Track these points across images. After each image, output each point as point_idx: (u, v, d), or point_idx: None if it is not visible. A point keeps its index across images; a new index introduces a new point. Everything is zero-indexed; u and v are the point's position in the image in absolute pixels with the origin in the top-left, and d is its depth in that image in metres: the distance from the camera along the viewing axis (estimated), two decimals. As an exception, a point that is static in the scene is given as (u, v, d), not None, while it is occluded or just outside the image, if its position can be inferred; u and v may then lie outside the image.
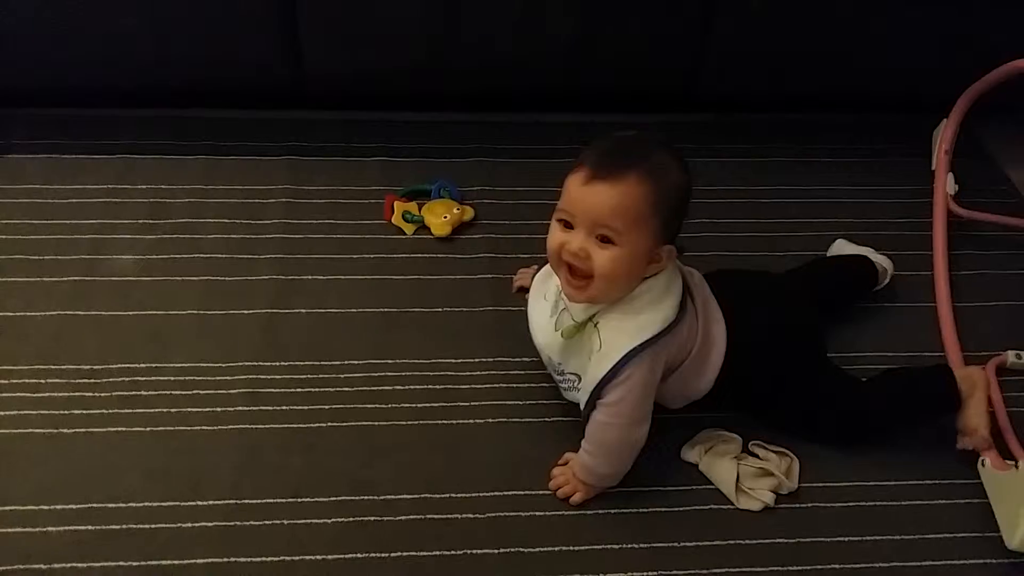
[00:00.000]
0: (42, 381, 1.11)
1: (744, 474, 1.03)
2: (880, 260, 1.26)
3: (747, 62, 1.52)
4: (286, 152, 1.47)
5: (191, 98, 1.53)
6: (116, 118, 1.51)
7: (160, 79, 1.48)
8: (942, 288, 1.28)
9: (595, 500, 1.02)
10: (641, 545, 0.99)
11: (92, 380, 1.11)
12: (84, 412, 1.08)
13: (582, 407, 1.01)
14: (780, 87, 1.57)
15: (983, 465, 1.03)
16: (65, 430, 1.06)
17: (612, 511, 1.02)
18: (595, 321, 0.98)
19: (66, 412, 1.08)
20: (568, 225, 0.95)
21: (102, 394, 1.10)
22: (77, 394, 1.10)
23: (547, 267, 1.05)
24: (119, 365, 1.13)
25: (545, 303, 1.05)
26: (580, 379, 1.01)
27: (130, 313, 1.20)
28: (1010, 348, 1.20)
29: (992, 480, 1.01)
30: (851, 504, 1.04)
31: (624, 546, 0.98)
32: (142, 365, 1.13)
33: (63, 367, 1.12)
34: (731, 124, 1.59)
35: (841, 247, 1.31)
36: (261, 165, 1.45)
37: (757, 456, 1.06)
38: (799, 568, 0.97)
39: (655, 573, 0.96)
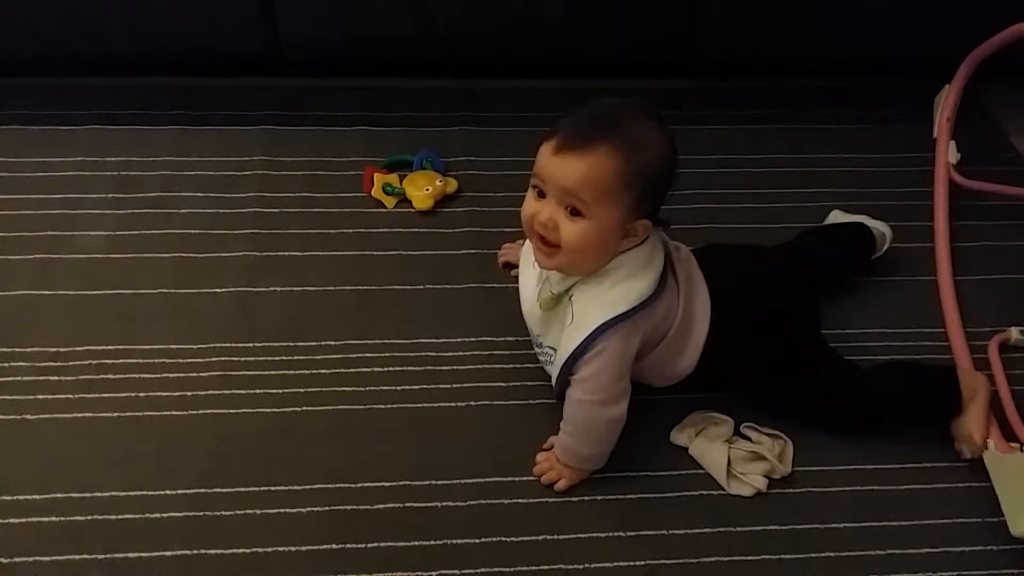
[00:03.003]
0: (4, 365, 1.06)
1: (736, 458, 1.00)
2: (876, 225, 1.21)
3: (743, 27, 1.46)
4: (262, 122, 1.41)
5: (162, 66, 1.46)
6: (86, 87, 1.45)
7: (129, 46, 1.42)
8: (943, 261, 1.23)
9: (581, 486, 0.98)
10: (628, 533, 0.95)
11: (58, 363, 1.07)
12: (49, 397, 1.03)
13: (553, 382, 0.98)
14: (776, 53, 1.51)
15: (987, 448, 0.99)
16: (28, 416, 1.02)
17: (598, 497, 0.98)
18: (570, 294, 0.95)
19: (30, 397, 1.03)
20: (542, 194, 0.91)
21: (68, 378, 1.06)
22: (42, 378, 1.05)
23: None
24: (86, 347, 1.09)
25: (533, 272, 1.01)
26: (554, 355, 0.97)
27: (98, 292, 1.15)
28: (1013, 323, 1.15)
29: (996, 463, 0.97)
30: (846, 489, 1.00)
31: (611, 534, 0.95)
32: (110, 347, 1.09)
33: (27, 350, 1.08)
34: (726, 91, 1.53)
35: (837, 217, 1.26)
36: (236, 135, 1.39)
37: (749, 439, 1.02)
38: (792, 556, 0.94)
39: (643, 562, 0.93)
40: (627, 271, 0.94)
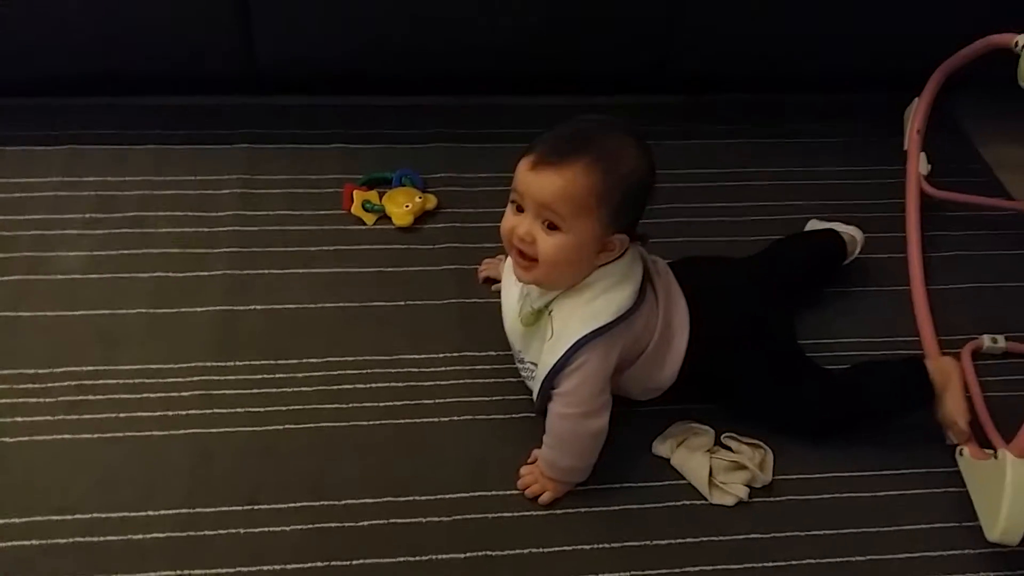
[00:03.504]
0: (-18, 387, 1.05)
1: (717, 468, 1.01)
2: (847, 230, 1.23)
3: (717, 43, 1.48)
4: (240, 140, 1.41)
5: (137, 85, 1.46)
6: (62, 107, 1.44)
7: (103, 65, 1.41)
8: (915, 271, 1.25)
9: (564, 499, 0.99)
10: (612, 545, 0.96)
11: (36, 385, 1.06)
12: (28, 419, 1.03)
13: (535, 397, 0.99)
14: (750, 68, 1.53)
15: (961, 455, 1.01)
16: (7, 439, 1.01)
17: (582, 510, 0.98)
18: (550, 309, 0.96)
19: (8, 420, 1.02)
20: (520, 208, 0.92)
21: (47, 400, 1.05)
22: (20, 400, 1.04)
23: None
24: (65, 369, 1.08)
25: (515, 288, 1.02)
26: (535, 370, 0.98)
27: (76, 313, 1.14)
28: (985, 332, 1.18)
29: (971, 470, 0.99)
30: (826, 496, 1.01)
31: (595, 546, 0.95)
32: (89, 368, 1.08)
33: (5, 372, 1.07)
34: (700, 105, 1.55)
35: (814, 226, 1.28)
36: (213, 154, 1.39)
37: (730, 449, 1.03)
38: (775, 564, 0.95)
39: (628, 573, 0.93)
40: (606, 284, 0.95)
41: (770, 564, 0.95)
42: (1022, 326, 1.19)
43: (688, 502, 1.00)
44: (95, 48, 1.39)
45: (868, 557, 0.96)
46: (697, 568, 0.94)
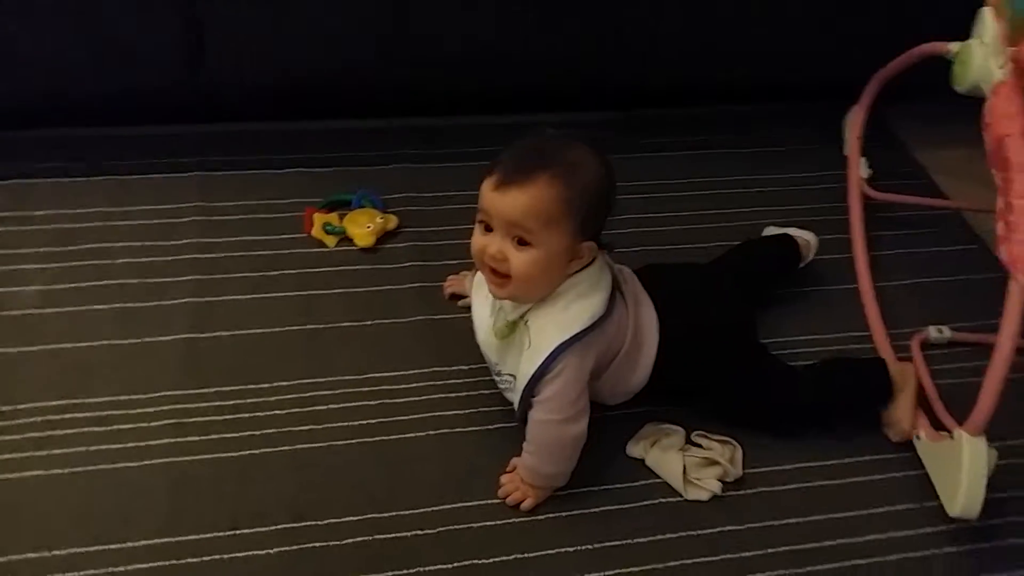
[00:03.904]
0: (-55, 428, 1.03)
1: (690, 465, 1.03)
2: (802, 234, 1.28)
3: (652, 58, 1.52)
4: (195, 168, 1.41)
5: (87, 116, 1.44)
6: (7, 140, 1.42)
7: (53, 97, 1.40)
8: (862, 269, 1.31)
9: (546, 504, 1.01)
10: (596, 545, 0.97)
11: (1, 423, 1.04)
12: (-5, 457, 1.01)
13: (516, 407, 1.00)
14: (685, 82, 1.57)
15: (919, 439, 1.06)
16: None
17: (563, 513, 1.00)
18: (525, 320, 0.98)
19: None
20: (488, 228, 0.95)
21: (14, 437, 1.03)
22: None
23: None
24: (30, 404, 1.06)
25: (485, 302, 1.04)
26: (513, 380, 1.00)
27: (38, 348, 1.13)
28: (930, 323, 1.23)
29: (928, 452, 1.04)
30: (795, 487, 1.05)
31: (579, 548, 0.97)
32: (54, 403, 1.06)
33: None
34: (637, 120, 1.60)
35: (769, 232, 1.32)
36: (168, 183, 1.38)
37: (701, 446, 1.06)
38: (752, 553, 0.98)
39: (613, 572, 0.95)
40: (578, 292, 0.97)
41: (747, 554, 0.98)
42: (965, 317, 1.25)
43: (664, 500, 1.02)
44: (43, 80, 1.38)
45: (840, 541, 0.99)
46: (678, 562, 0.97)
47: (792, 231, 1.29)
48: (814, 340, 1.22)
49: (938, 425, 1.08)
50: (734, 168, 1.51)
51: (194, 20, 1.34)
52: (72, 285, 1.21)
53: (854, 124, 1.45)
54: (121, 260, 1.25)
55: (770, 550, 0.98)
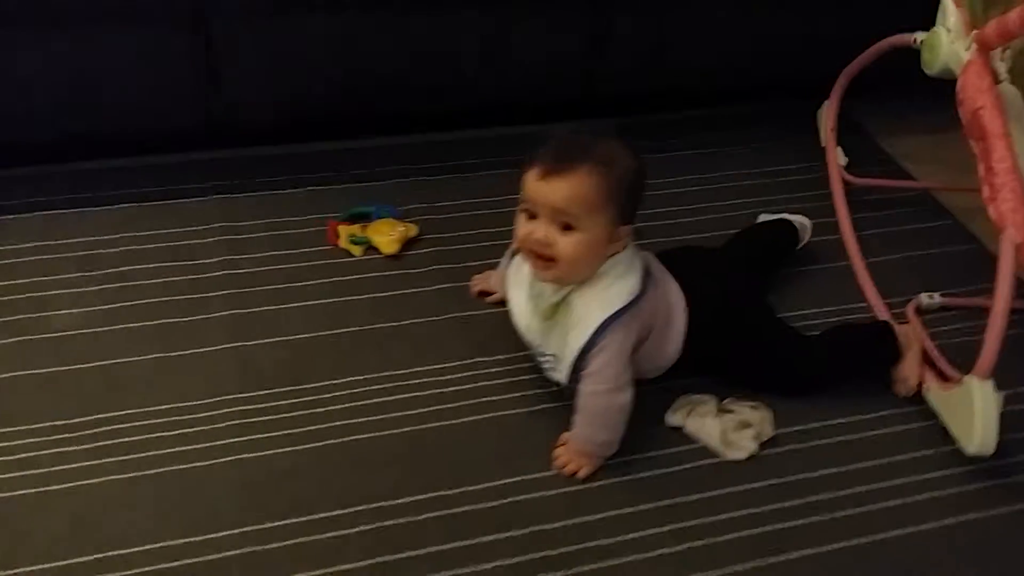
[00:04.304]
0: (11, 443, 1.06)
1: (727, 428, 1.11)
2: (796, 218, 1.39)
3: (639, 69, 1.63)
4: (212, 192, 1.46)
5: (104, 148, 1.49)
6: (26, 176, 1.46)
7: (68, 130, 1.44)
8: (852, 247, 1.42)
9: (598, 473, 1.07)
10: (649, 506, 1.04)
11: (73, 434, 1.08)
12: (70, 467, 1.04)
13: (565, 381, 1.07)
14: (672, 88, 1.69)
15: (929, 391, 1.16)
16: (53, 487, 1.02)
17: (615, 480, 1.07)
18: (568, 300, 1.05)
19: (47, 470, 1.04)
20: (532, 216, 1.02)
21: (85, 446, 1.06)
22: (55, 450, 1.06)
23: (519, 256, 1.12)
24: (93, 417, 1.10)
25: (522, 289, 1.11)
26: (558, 359, 1.07)
27: (89, 365, 1.16)
28: (920, 292, 1.34)
29: (940, 400, 1.13)
30: (822, 442, 1.13)
31: (634, 509, 1.04)
32: (115, 414, 1.10)
33: (38, 425, 1.08)
34: (628, 127, 1.67)
35: (764, 218, 1.42)
36: (190, 208, 1.43)
37: (733, 412, 1.14)
38: (792, 503, 1.06)
39: (668, 528, 1.02)
40: (617, 272, 1.05)
41: (788, 504, 1.06)
42: (948, 285, 1.35)
43: (706, 462, 1.10)
44: (56, 114, 1.42)
45: (869, 486, 1.08)
46: (726, 515, 1.04)
47: (786, 216, 1.39)
48: (816, 313, 1.31)
49: (943, 380, 1.18)
50: (720, 166, 1.61)
51: (206, 57, 1.40)
52: (111, 306, 1.25)
53: (828, 117, 1.57)
54: (156, 280, 1.30)
55: (809, 498, 1.06)
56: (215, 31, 1.39)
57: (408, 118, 1.61)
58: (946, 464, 1.11)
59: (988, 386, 1.05)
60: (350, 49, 1.46)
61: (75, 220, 1.39)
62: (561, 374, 1.07)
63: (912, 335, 1.21)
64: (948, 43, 1.19)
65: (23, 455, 1.05)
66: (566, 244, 1.01)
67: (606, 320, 1.03)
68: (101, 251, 1.34)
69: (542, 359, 1.11)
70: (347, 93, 1.52)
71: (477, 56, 1.53)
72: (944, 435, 1.13)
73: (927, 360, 1.21)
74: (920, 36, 1.26)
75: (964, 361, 1.12)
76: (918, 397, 1.18)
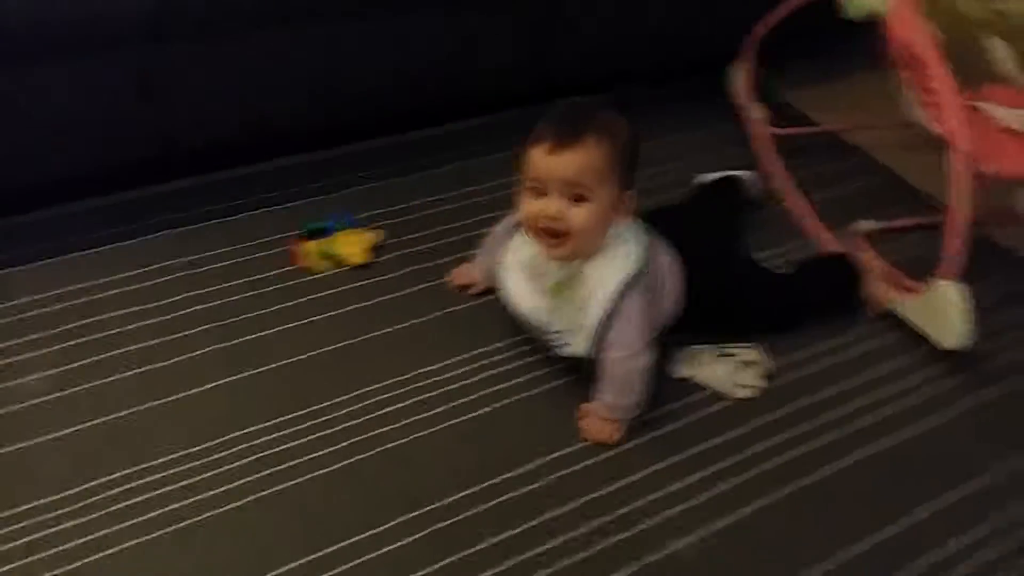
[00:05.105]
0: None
1: (733, 371, 1.18)
2: (740, 173, 1.47)
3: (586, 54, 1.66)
4: (165, 227, 1.40)
5: (41, 198, 1.40)
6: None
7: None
8: (789, 189, 1.51)
9: (626, 436, 1.11)
10: (680, 457, 1.10)
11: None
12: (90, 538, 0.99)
13: (586, 353, 1.09)
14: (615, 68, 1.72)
15: (897, 303, 1.26)
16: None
17: (642, 439, 1.11)
18: (578, 274, 1.08)
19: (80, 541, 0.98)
20: (540, 193, 1.04)
21: (98, 514, 1.01)
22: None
23: (512, 241, 1.15)
24: (100, 480, 1.05)
25: (521, 273, 1.13)
26: (573, 333, 1.10)
27: (72, 431, 1.10)
28: (858, 219, 1.45)
29: (911, 308, 1.24)
30: (815, 369, 1.22)
31: (669, 461, 1.09)
32: (128, 471, 1.05)
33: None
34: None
35: (702, 179, 1.48)
36: (143, 246, 1.37)
37: (733, 355, 1.21)
38: (808, 425, 1.14)
39: (705, 472, 1.08)
40: (623, 239, 1.09)
41: (805, 427, 1.14)
42: (877, 211, 1.47)
43: (720, 406, 1.16)
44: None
45: (869, 397, 1.18)
46: (751, 450, 1.11)
47: (731, 172, 1.47)
48: (773, 255, 1.40)
49: (907, 291, 1.28)
50: (663, 133, 1.65)
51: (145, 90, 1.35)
52: (86, 361, 1.18)
53: (742, 76, 1.66)
54: (127, 327, 1.23)
55: (821, 420, 1.15)
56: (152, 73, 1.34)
57: (358, 126, 1.59)
58: (928, 362, 1.23)
59: (957, 285, 1.16)
60: (281, 67, 1.43)
61: (24, 278, 1.30)
62: (579, 347, 1.10)
63: (863, 259, 1.31)
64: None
65: (37, 535, 0.99)
66: (578, 215, 1.03)
67: (623, 285, 1.06)
68: (50, 308, 1.25)
69: (551, 337, 1.13)
70: (290, 108, 1.49)
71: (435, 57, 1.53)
72: (916, 340, 1.23)
73: (886, 278, 1.31)
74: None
75: (917, 274, 1.24)
76: (886, 315, 1.28)
